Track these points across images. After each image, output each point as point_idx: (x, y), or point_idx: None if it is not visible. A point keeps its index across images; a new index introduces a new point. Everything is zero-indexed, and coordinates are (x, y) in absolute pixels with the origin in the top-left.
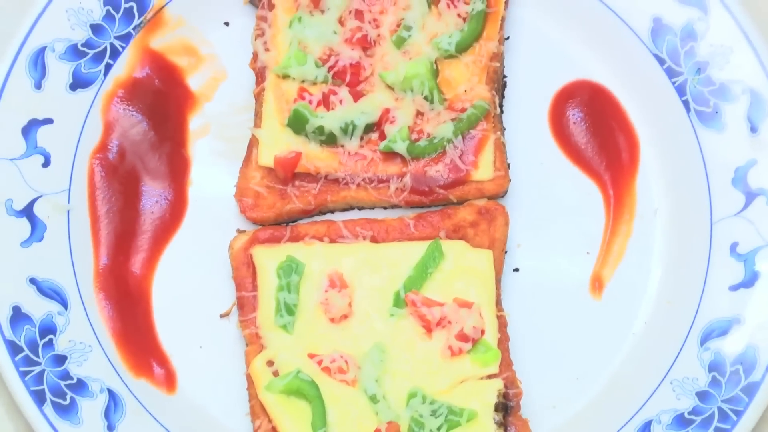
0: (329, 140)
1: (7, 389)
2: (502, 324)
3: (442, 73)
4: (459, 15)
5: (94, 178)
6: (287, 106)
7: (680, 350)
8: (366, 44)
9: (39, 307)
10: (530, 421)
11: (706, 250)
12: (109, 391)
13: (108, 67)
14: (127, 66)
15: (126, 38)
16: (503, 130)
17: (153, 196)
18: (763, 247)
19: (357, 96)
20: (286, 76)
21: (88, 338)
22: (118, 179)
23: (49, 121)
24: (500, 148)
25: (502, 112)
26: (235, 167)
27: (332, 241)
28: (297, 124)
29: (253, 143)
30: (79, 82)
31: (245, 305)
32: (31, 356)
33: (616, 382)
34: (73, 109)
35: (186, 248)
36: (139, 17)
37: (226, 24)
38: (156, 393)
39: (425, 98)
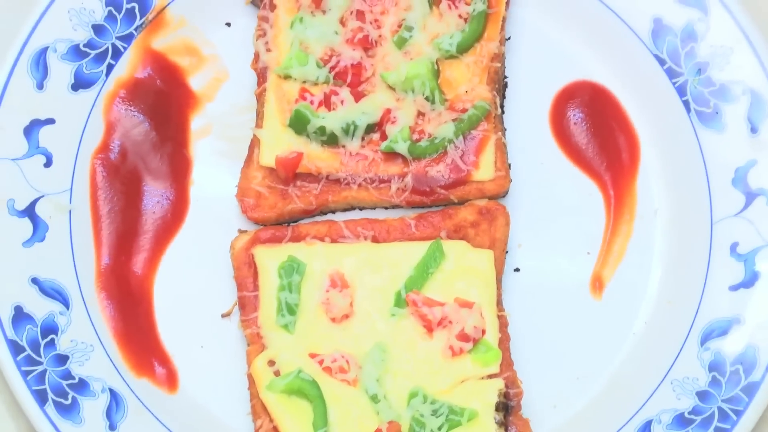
0: (330, 140)
1: (9, 389)
2: (503, 324)
3: (443, 74)
4: (460, 15)
5: (95, 178)
6: (289, 107)
7: (680, 350)
8: (367, 45)
9: (41, 307)
10: (531, 421)
11: (707, 251)
12: (111, 391)
13: (110, 67)
14: (128, 66)
15: (128, 39)
16: (504, 130)
17: (155, 196)
18: (763, 247)
19: (358, 96)
20: (287, 77)
21: (89, 338)
22: (120, 179)
23: (51, 121)
24: (501, 148)
25: (503, 112)
26: (236, 167)
27: (333, 241)
28: (298, 124)
29: (254, 143)
30: (80, 83)
31: (246, 305)
32: (33, 356)
33: (616, 382)
34: (75, 110)
35: (187, 248)
36: (140, 18)
37: (228, 24)
38: (157, 392)
39: (426, 99)
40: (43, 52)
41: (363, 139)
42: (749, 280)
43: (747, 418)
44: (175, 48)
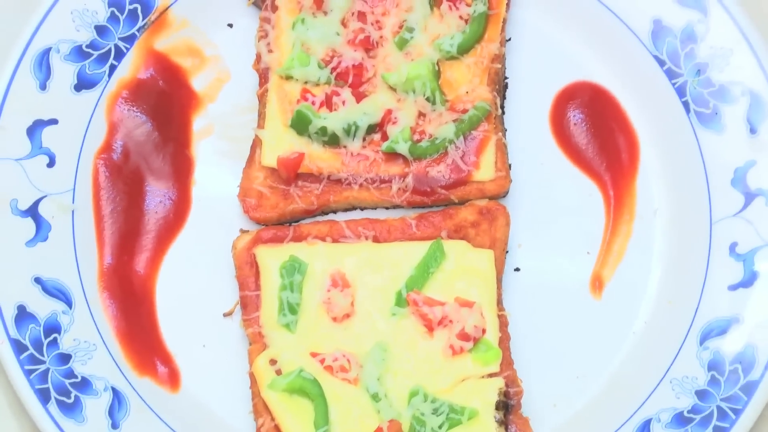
0: (332, 141)
1: (12, 388)
2: (503, 323)
3: (444, 75)
4: (461, 17)
5: (98, 178)
6: (290, 107)
7: (680, 349)
8: (368, 46)
9: (44, 306)
10: (531, 420)
11: (706, 250)
12: (113, 390)
13: (112, 68)
14: (131, 67)
15: (130, 39)
16: (504, 130)
17: (157, 196)
18: (762, 247)
19: (359, 97)
20: (289, 77)
21: (92, 337)
22: (123, 179)
23: (53, 121)
24: (501, 148)
25: (503, 113)
26: (238, 167)
27: (335, 241)
28: (300, 124)
29: (256, 144)
30: (83, 83)
31: (248, 304)
32: (36, 355)
33: (616, 381)
34: (78, 110)
35: (189, 248)
36: (143, 19)
37: (230, 25)
38: (160, 391)
39: (427, 99)
40: (46, 52)
41: (364, 139)
42: (748, 280)
43: (746, 417)
44: (178, 49)
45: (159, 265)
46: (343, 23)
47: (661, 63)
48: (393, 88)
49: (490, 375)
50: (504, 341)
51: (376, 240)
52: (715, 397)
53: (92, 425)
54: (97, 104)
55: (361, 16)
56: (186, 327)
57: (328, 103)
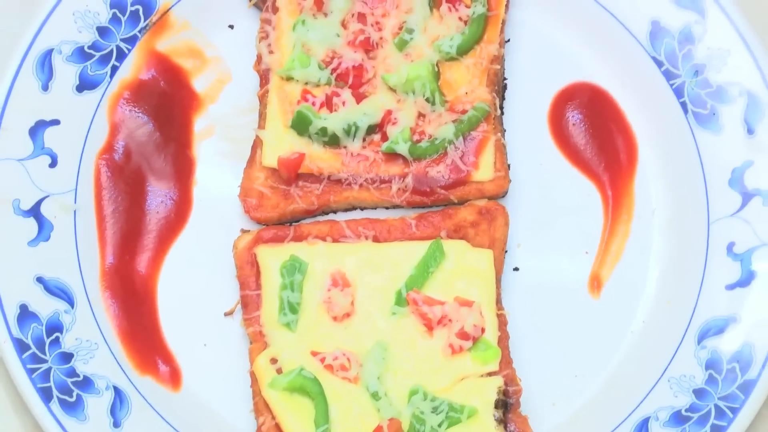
0: (332, 141)
1: (15, 386)
2: (502, 322)
3: (444, 76)
4: (460, 18)
5: (100, 179)
6: (291, 108)
7: (677, 348)
8: (368, 47)
9: (46, 306)
10: (530, 418)
11: (704, 250)
12: (115, 389)
13: (114, 69)
14: (133, 68)
15: (132, 41)
16: (503, 131)
17: (158, 196)
18: (759, 246)
19: (359, 98)
20: (289, 78)
21: (94, 336)
22: (124, 179)
23: (56, 122)
24: (500, 149)
25: (502, 113)
26: (239, 168)
27: (335, 240)
28: (300, 125)
29: (257, 144)
30: (85, 84)
31: (249, 304)
32: (38, 354)
33: (614, 380)
34: (80, 111)
35: (191, 248)
36: (144, 20)
37: (231, 27)
38: (161, 390)
39: (427, 100)
40: (48, 53)
41: (364, 140)
42: (745, 280)
43: (743, 416)
44: (179, 50)
45: (160, 265)
46: (344, 24)
47: (659, 64)
48: (393, 89)
49: (490, 374)
50: (503, 340)
51: (376, 240)
52: (713, 395)
53: (94, 424)
54: (98, 105)
55: (361, 17)
56: (187, 326)
57: (328, 103)
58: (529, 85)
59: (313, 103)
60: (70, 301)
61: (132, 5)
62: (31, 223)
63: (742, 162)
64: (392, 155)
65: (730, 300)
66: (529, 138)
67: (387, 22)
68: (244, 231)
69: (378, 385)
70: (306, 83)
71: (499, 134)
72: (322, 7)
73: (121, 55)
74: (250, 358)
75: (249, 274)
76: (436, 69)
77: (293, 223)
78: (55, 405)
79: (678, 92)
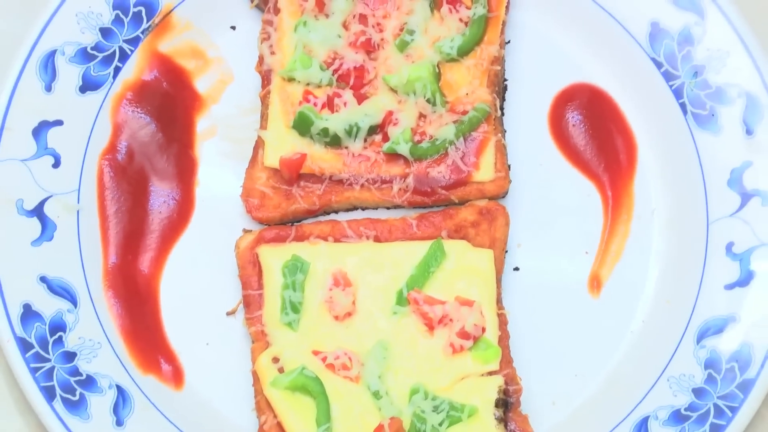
0: (334, 142)
1: (18, 385)
2: (503, 322)
3: (444, 77)
4: (461, 19)
5: (103, 179)
6: (292, 109)
7: (677, 348)
8: (370, 48)
9: (49, 305)
10: (530, 417)
11: (703, 250)
12: (118, 387)
13: (117, 70)
14: (135, 69)
15: (134, 42)
16: (504, 132)
17: (161, 196)
18: (758, 246)
19: (361, 99)
20: (291, 79)
21: (97, 335)
22: (127, 180)
23: (59, 122)
24: (501, 149)
25: (502, 114)
26: (241, 168)
27: (336, 240)
28: (302, 126)
29: (259, 145)
30: (88, 85)
31: (251, 303)
32: (42, 353)
33: (614, 379)
34: (83, 111)
35: (193, 247)
36: (147, 21)
37: (233, 28)
38: (163, 389)
39: (427, 101)
40: (52, 54)
41: (365, 140)
42: (744, 279)
43: (742, 415)
44: (181, 51)
45: (163, 265)
46: (345, 26)
47: (659, 65)
48: (394, 90)
49: (490, 373)
50: (503, 340)
51: (377, 240)
52: (712, 394)
53: (97, 422)
54: (101, 105)
55: (363, 18)
56: (189, 325)
57: (329, 104)
58: (529, 86)
59: (315, 104)
60: (73, 301)
61: (134, 6)
62: (35, 223)
63: (741, 162)
64: (393, 156)
65: (729, 300)
66: (530, 139)
67: (388, 24)
68: (246, 231)
69: (379, 384)
70: (307, 84)
71: (500, 135)
72: (324, 8)
73: (124, 56)
74: (252, 357)
75: (251, 273)
76: (437, 70)
77: (295, 223)
78: (58, 404)
79: (677, 93)
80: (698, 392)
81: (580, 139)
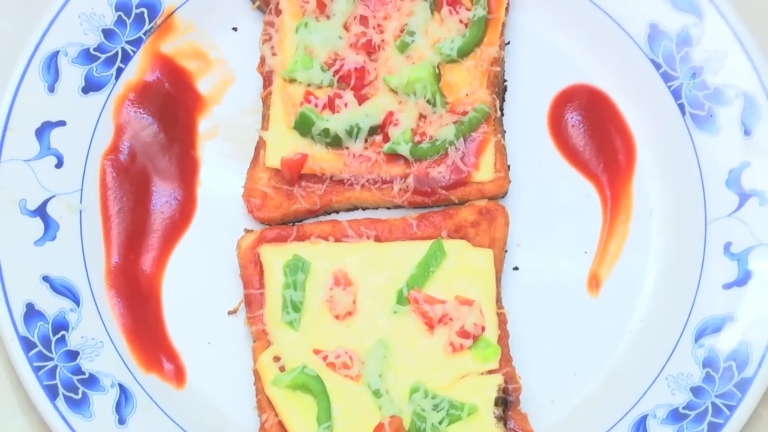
0: (334, 142)
1: (21, 384)
2: (502, 321)
3: (444, 77)
4: (461, 21)
5: (105, 179)
6: (294, 109)
7: (675, 347)
8: (370, 49)
9: (52, 304)
10: (529, 416)
11: (701, 250)
12: (120, 386)
13: (119, 70)
14: (138, 70)
15: (137, 43)
16: (503, 132)
17: (163, 197)
18: (756, 246)
19: (361, 99)
20: (292, 80)
21: (99, 334)
22: (129, 180)
23: (62, 123)
24: (500, 150)
25: (502, 115)
26: (242, 168)
27: (337, 240)
28: (303, 126)
29: (260, 145)
30: (91, 86)
31: (252, 302)
32: (44, 352)
33: (612, 378)
34: (86, 112)
35: (195, 247)
36: (149, 22)
37: (235, 29)
38: (165, 388)
39: (428, 101)
40: (54, 55)
41: (366, 141)
42: (742, 279)
43: (740, 413)
44: (183, 52)
45: (165, 264)
46: (346, 27)
47: (657, 66)
48: (394, 91)
49: (490, 372)
50: (503, 339)
51: (377, 239)
52: (710, 393)
53: (99, 421)
54: (104, 106)
55: (363, 20)
56: (191, 324)
57: (330, 105)
58: (528, 86)
59: (316, 105)
60: (76, 300)
61: (137, 8)
62: (38, 223)
63: (739, 163)
64: (394, 156)
65: (727, 299)
66: (529, 139)
67: (388, 25)
68: (247, 231)
69: (379, 382)
70: (309, 85)
71: (499, 135)
72: (325, 9)
73: (126, 57)
74: (253, 356)
75: (252, 273)
76: (437, 71)
77: (296, 223)
78: (60, 402)
79: (676, 94)
80: (696, 391)
81: (579, 140)
